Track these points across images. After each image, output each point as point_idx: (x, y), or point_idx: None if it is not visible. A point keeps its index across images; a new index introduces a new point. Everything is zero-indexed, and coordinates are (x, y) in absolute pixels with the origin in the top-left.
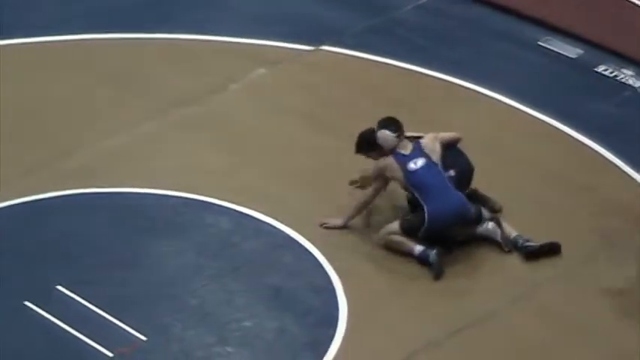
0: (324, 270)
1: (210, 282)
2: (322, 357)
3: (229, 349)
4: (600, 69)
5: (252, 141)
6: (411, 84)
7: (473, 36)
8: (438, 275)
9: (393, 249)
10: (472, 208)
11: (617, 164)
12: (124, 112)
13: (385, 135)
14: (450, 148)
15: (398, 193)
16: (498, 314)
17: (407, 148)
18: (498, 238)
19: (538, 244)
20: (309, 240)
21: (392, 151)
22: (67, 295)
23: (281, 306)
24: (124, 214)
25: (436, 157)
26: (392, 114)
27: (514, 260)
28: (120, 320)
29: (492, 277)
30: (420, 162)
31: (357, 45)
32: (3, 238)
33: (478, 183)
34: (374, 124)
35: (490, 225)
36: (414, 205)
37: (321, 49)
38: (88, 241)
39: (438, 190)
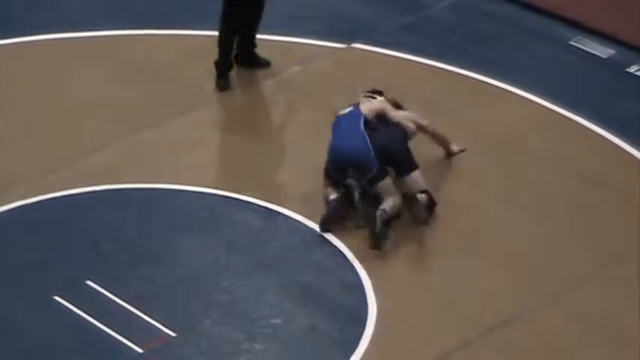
0: (355, 268)
1: (240, 279)
2: (351, 355)
3: (258, 345)
4: (632, 69)
5: (284, 138)
6: (442, 82)
7: (505, 35)
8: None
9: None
10: (374, 161)
11: None
12: (155, 109)
13: None
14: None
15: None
16: (529, 314)
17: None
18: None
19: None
20: (339, 238)
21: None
22: (97, 290)
23: (311, 304)
24: (154, 210)
25: (365, 109)
26: (423, 112)
27: (545, 259)
28: (149, 316)
29: (523, 277)
30: (347, 110)
31: (389, 43)
32: (34, 233)
33: (506, 180)
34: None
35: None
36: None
37: (353, 47)
38: (118, 237)
39: (346, 130)
